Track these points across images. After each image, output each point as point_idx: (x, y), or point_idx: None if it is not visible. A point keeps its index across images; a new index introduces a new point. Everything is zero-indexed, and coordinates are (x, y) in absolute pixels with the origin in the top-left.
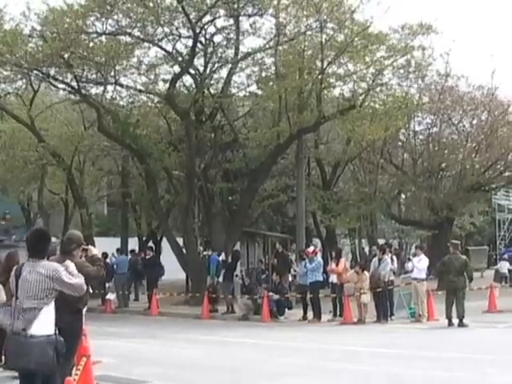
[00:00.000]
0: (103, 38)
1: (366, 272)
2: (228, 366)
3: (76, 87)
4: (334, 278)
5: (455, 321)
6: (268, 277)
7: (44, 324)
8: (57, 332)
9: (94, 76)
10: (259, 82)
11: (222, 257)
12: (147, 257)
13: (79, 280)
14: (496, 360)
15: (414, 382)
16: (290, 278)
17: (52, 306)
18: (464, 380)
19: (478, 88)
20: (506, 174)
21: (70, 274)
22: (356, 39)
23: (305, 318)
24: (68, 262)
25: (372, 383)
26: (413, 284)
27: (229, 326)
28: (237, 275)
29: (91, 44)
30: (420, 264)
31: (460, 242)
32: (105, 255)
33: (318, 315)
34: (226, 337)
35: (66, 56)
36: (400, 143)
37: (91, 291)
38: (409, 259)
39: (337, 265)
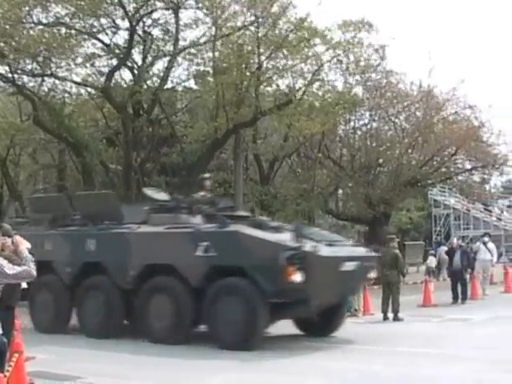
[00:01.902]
0: (40, 29)
1: None
2: (161, 360)
3: (11, 78)
4: None
5: (390, 315)
6: None
7: None
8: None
9: (30, 67)
10: (197, 77)
11: None
12: None
13: (22, 268)
14: (430, 353)
15: (349, 376)
16: None
17: None
18: (398, 373)
19: (415, 85)
20: (442, 170)
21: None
22: (292, 34)
23: None
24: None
25: (308, 377)
26: None
27: None
28: None
29: (27, 34)
30: None
31: (396, 237)
32: None
33: None
34: None
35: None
36: (338, 138)
37: (26, 286)
38: None
39: None
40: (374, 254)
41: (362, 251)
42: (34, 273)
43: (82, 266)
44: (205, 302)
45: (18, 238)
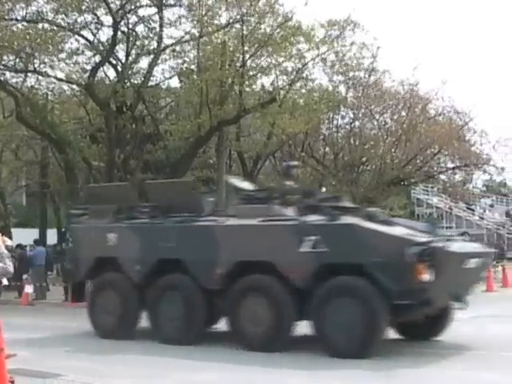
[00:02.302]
0: (23, 25)
1: None
2: (145, 358)
3: None
4: None
5: None
6: None
7: None
8: None
9: (13, 63)
10: (181, 74)
11: None
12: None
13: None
14: (413, 352)
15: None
16: None
17: None
18: None
19: (400, 83)
20: (425, 168)
21: None
22: (277, 32)
23: None
24: None
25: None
26: None
27: None
28: None
29: (10, 30)
30: None
31: None
32: (20, 247)
33: None
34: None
35: None
36: (322, 137)
37: (7, 283)
38: None
39: None
40: (492, 250)
41: (480, 247)
42: (11, 269)
43: (156, 263)
44: (312, 303)
45: None
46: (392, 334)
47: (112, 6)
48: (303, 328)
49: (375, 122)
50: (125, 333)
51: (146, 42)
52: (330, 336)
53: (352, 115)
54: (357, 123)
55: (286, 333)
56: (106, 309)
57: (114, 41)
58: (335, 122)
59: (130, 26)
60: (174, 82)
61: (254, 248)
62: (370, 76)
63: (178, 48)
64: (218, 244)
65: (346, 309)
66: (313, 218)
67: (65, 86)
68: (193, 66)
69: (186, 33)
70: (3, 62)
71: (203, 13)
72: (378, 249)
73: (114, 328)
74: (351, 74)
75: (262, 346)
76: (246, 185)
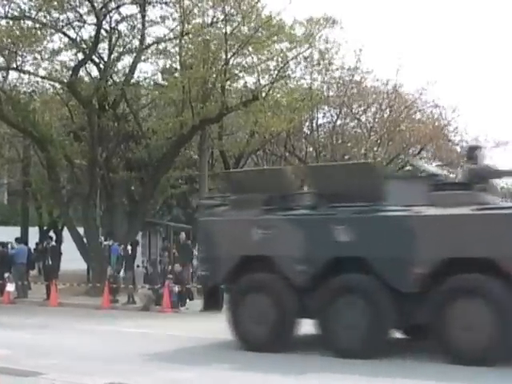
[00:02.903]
0: (5, 22)
1: None
2: (126, 356)
3: None
4: None
5: None
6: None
7: None
8: None
9: None
10: (164, 72)
11: (121, 249)
12: (48, 246)
13: None
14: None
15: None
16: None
17: None
18: None
19: (383, 83)
20: (407, 167)
21: None
22: (260, 30)
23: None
24: None
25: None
26: None
27: (129, 316)
28: (138, 266)
29: None
30: None
31: None
32: (2, 245)
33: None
34: (124, 327)
35: None
36: (304, 135)
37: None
38: None
39: None
40: None
41: None
42: None
43: (328, 262)
44: None
45: None
46: None
47: (95, 4)
48: None
49: (357, 121)
50: (280, 344)
51: (129, 40)
52: None
53: (334, 114)
54: (339, 122)
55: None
56: (254, 317)
57: (96, 39)
58: (317, 120)
59: (113, 25)
60: (157, 80)
61: (467, 242)
62: (352, 76)
63: (161, 46)
64: (416, 238)
65: None
66: None
67: (47, 84)
68: (175, 64)
69: (170, 30)
70: None
71: (188, 11)
72: None
73: (267, 339)
74: (334, 73)
75: (480, 360)
76: (434, 168)
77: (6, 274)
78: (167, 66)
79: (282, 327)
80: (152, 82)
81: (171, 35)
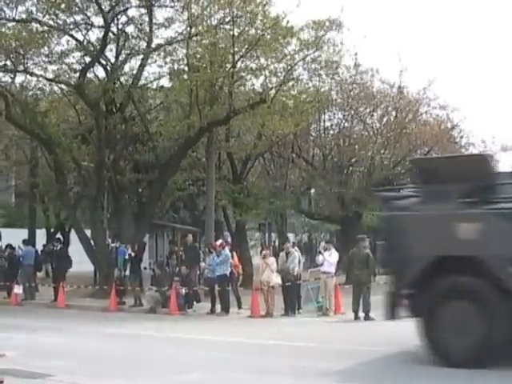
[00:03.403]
0: (13, 24)
1: (272, 257)
2: (133, 359)
3: None
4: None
5: (361, 314)
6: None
7: None
8: None
9: (3, 63)
10: (171, 74)
11: (129, 251)
12: (55, 248)
13: None
14: (399, 351)
15: (317, 373)
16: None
17: None
18: (368, 371)
19: (388, 85)
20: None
21: None
22: (267, 33)
23: (213, 311)
24: None
25: (279, 376)
26: (322, 278)
27: (136, 318)
28: (145, 268)
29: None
30: (331, 258)
31: (368, 237)
32: (10, 247)
33: (225, 308)
34: (132, 329)
35: None
36: (311, 138)
37: None
38: (319, 253)
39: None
40: None
41: None
42: None
43: None
44: None
45: None
46: None
47: (103, 6)
48: None
49: (363, 123)
50: (489, 359)
51: (136, 42)
52: None
53: (341, 116)
54: (346, 124)
55: None
56: (457, 328)
57: (104, 41)
58: (323, 123)
59: (120, 27)
60: (164, 82)
61: None
62: (357, 77)
63: (168, 48)
64: None
65: None
66: None
67: (55, 87)
68: (183, 66)
69: (179, 34)
70: None
71: (196, 13)
72: None
73: (474, 354)
74: (340, 75)
75: None
76: None
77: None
78: (174, 69)
79: (493, 340)
80: (159, 85)
81: (178, 38)
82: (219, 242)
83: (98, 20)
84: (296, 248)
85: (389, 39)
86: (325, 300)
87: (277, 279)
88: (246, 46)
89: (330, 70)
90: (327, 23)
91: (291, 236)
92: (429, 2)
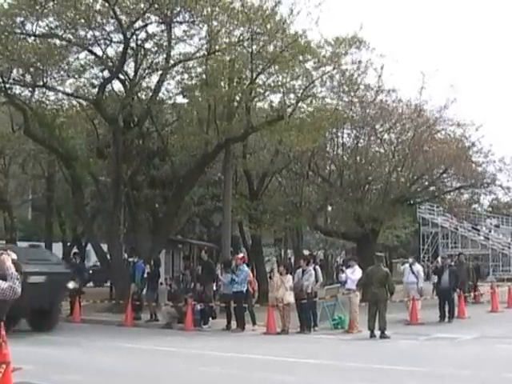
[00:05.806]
0: (33, 39)
1: (288, 275)
2: (148, 374)
3: (3, 88)
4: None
5: (377, 332)
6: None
7: None
8: None
9: (22, 77)
10: (188, 90)
11: (148, 269)
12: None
13: (7, 284)
14: (415, 371)
15: None
16: (215, 287)
17: None
18: None
19: (406, 103)
20: (431, 188)
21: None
22: (286, 50)
23: (228, 327)
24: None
25: None
26: (346, 295)
27: (151, 334)
28: (161, 283)
29: (20, 45)
30: (354, 275)
31: (384, 255)
32: None
33: (241, 325)
34: (147, 345)
35: None
36: (328, 155)
37: None
38: (342, 270)
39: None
40: None
41: None
42: (19, 290)
43: None
44: None
45: (4, 255)
46: None
47: (122, 22)
48: None
49: (379, 141)
50: None
51: (155, 58)
52: None
53: (357, 134)
54: (362, 141)
55: None
56: None
57: (123, 57)
58: (339, 139)
59: (139, 43)
60: (182, 98)
61: None
62: (376, 95)
63: (187, 64)
64: None
65: None
66: None
67: (73, 101)
68: (201, 82)
69: (198, 49)
70: (12, 76)
71: (216, 31)
72: None
73: None
74: (357, 92)
75: None
76: None
77: None
78: (193, 84)
79: None
80: (177, 100)
81: (199, 54)
82: (241, 255)
83: (117, 35)
84: (317, 267)
85: (409, 57)
86: (350, 315)
87: (289, 297)
88: (265, 63)
89: (350, 86)
90: (348, 40)
91: (306, 252)
92: (443, 20)
